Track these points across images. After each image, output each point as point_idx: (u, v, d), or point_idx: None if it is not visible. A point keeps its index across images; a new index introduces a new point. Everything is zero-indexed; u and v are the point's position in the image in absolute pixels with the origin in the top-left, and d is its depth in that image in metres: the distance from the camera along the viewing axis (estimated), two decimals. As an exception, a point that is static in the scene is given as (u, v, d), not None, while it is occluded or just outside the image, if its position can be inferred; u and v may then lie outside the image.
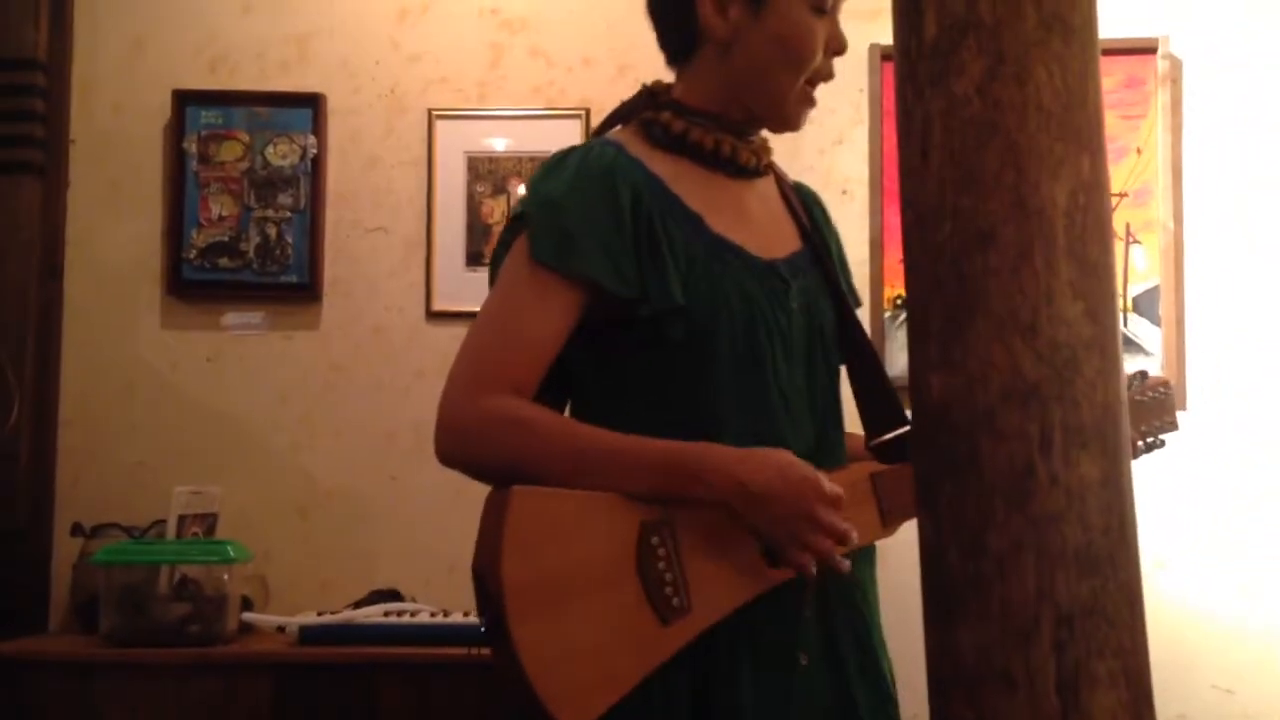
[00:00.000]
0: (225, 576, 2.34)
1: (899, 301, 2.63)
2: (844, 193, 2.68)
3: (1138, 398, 1.65)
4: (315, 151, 2.67)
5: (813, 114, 2.86)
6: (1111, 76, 2.59)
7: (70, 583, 2.53)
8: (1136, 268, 2.62)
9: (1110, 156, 0.89)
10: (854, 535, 1.28)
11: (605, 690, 1.22)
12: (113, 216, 2.69)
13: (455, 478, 1.36)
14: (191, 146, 2.67)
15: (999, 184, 0.83)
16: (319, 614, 2.36)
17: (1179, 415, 1.72)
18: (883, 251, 2.64)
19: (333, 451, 2.64)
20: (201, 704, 2.22)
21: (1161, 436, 1.71)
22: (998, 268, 0.83)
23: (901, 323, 2.63)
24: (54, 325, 2.65)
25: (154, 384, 2.65)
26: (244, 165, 2.67)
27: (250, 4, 2.72)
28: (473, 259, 2.64)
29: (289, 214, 2.67)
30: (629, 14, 1.48)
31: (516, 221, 1.38)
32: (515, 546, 1.21)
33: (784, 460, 1.28)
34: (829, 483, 1.28)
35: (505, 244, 1.38)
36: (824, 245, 1.50)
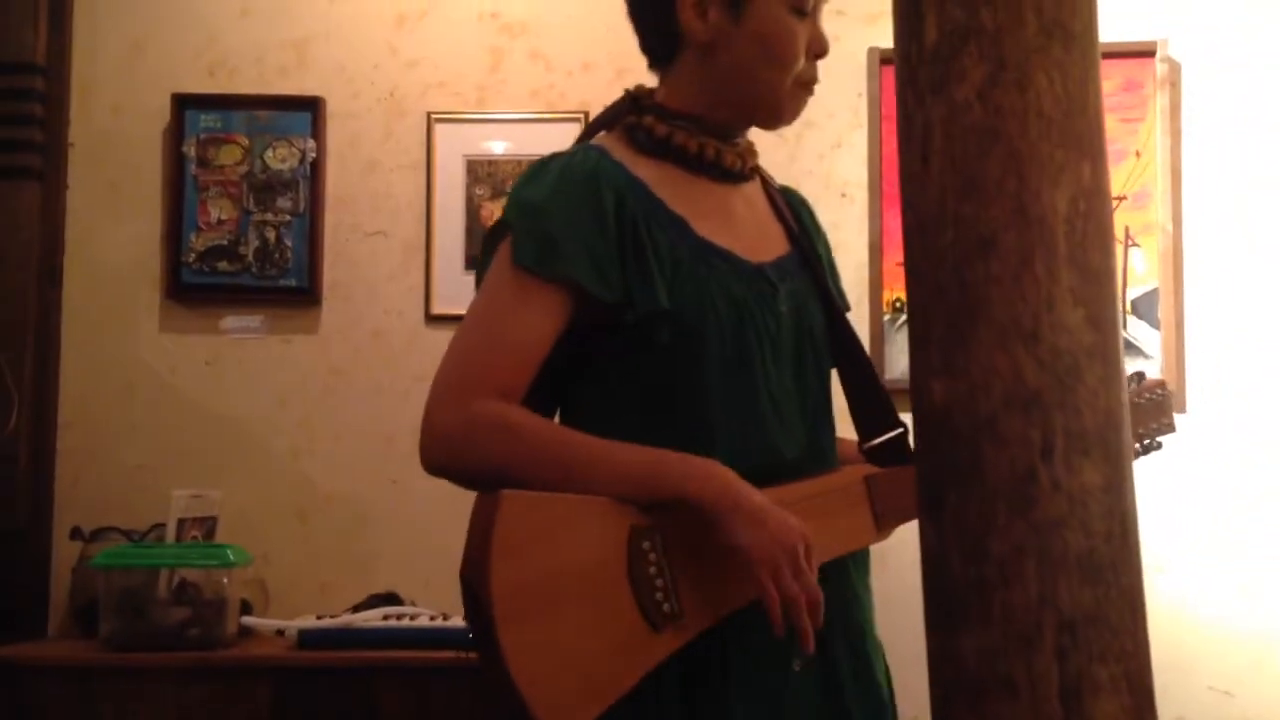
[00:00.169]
0: (225, 580, 2.34)
1: (898, 304, 2.63)
2: (843, 196, 2.69)
3: (1134, 400, 1.64)
4: (314, 155, 2.67)
5: (812, 118, 2.85)
6: (1110, 80, 2.59)
7: (69, 586, 2.53)
8: (1135, 271, 2.63)
9: (1109, 160, 0.89)
10: (820, 599, 1.24)
11: (595, 697, 1.21)
12: (112, 220, 2.69)
13: (455, 481, 1.36)
14: (190, 150, 2.67)
15: (1000, 191, 0.84)
16: (318, 618, 2.36)
17: (1178, 418, 1.72)
18: (882, 255, 2.65)
19: (332, 455, 2.64)
20: (201, 708, 2.22)
21: (1159, 439, 1.70)
22: (999, 275, 0.83)
23: (900, 326, 2.63)
24: (53, 328, 2.65)
25: (153, 387, 2.65)
26: (243, 169, 2.67)
27: (249, 8, 2.72)
28: (472, 263, 2.64)
29: (288, 218, 2.67)
30: (628, 18, 1.47)
31: (499, 228, 1.36)
32: (504, 551, 1.20)
33: (775, 517, 1.25)
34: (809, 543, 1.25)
35: (488, 250, 1.37)
36: (812, 248, 1.49)
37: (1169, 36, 2.65)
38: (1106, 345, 0.84)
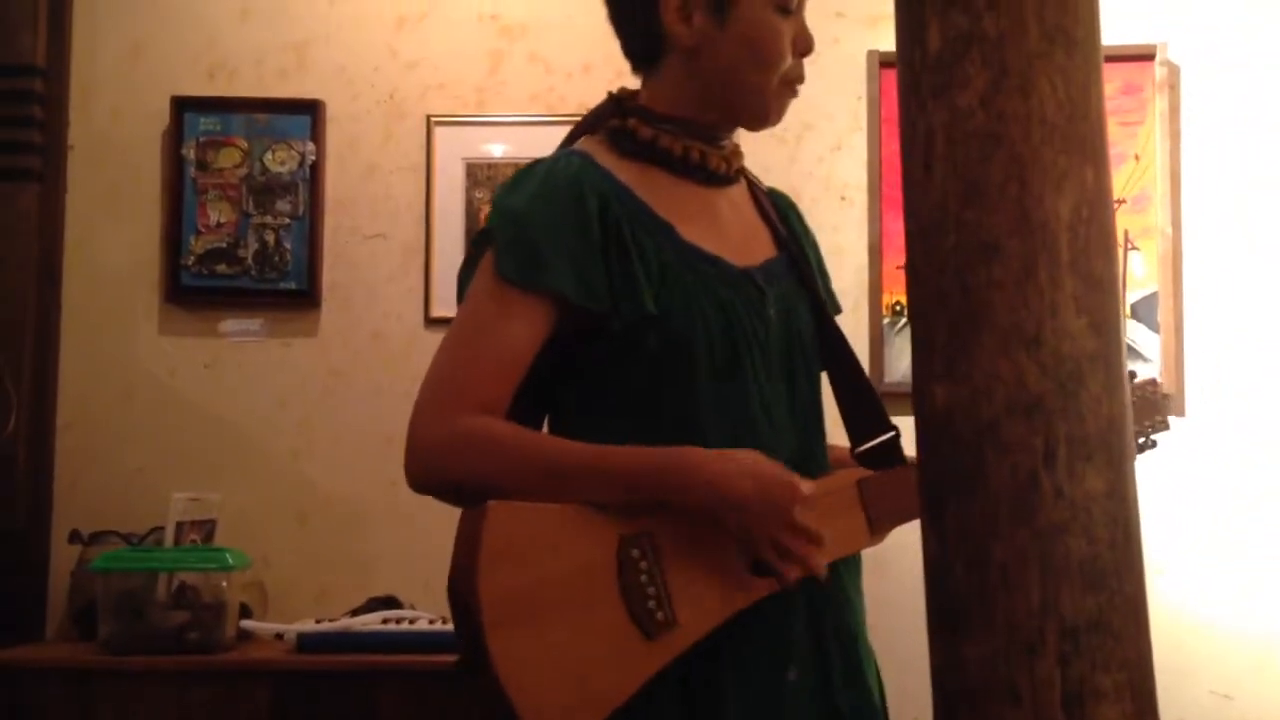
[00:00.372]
0: (224, 584, 2.33)
1: (898, 308, 2.63)
2: (843, 199, 2.69)
3: None
4: (314, 158, 2.67)
5: (811, 120, 2.85)
6: (1109, 83, 2.59)
7: (68, 589, 2.52)
8: (1135, 274, 2.63)
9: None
10: (825, 537, 1.28)
11: (590, 710, 1.20)
12: (111, 222, 2.69)
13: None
14: (190, 153, 2.67)
15: (1003, 196, 0.83)
16: (317, 621, 2.36)
17: (1177, 421, 1.72)
18: (881, 258, 2.65)
19: (331, 458, 2.64)
20: (200, 711, 2.22)
21: (1154, 437, 1.70)
22: (1002, 280, 0.83)
23: (900, 329, 2.63)
24: (52, 331, 2.65)
25: (152, 390, 2.65)
26: (242, 172, 2.67)
27: (249, 11, 2.72)
28: (472, 265, 2.64)
29: (287, 220, 2.67)
30: (610, 22, 1.47)
31: (483, 236, 1.35)
32: (492, 563, 1.19)
33: (760, 468, 1.27)
34: (805, 484, 1.27)
35: (472, 260, 1.36)
36: (800, 251, 1.48)
37: (1168, 40, 2.65)
38: (1109, 351, 0.83)
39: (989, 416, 0.82)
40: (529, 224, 1.31)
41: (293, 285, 2.66)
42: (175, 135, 2.67)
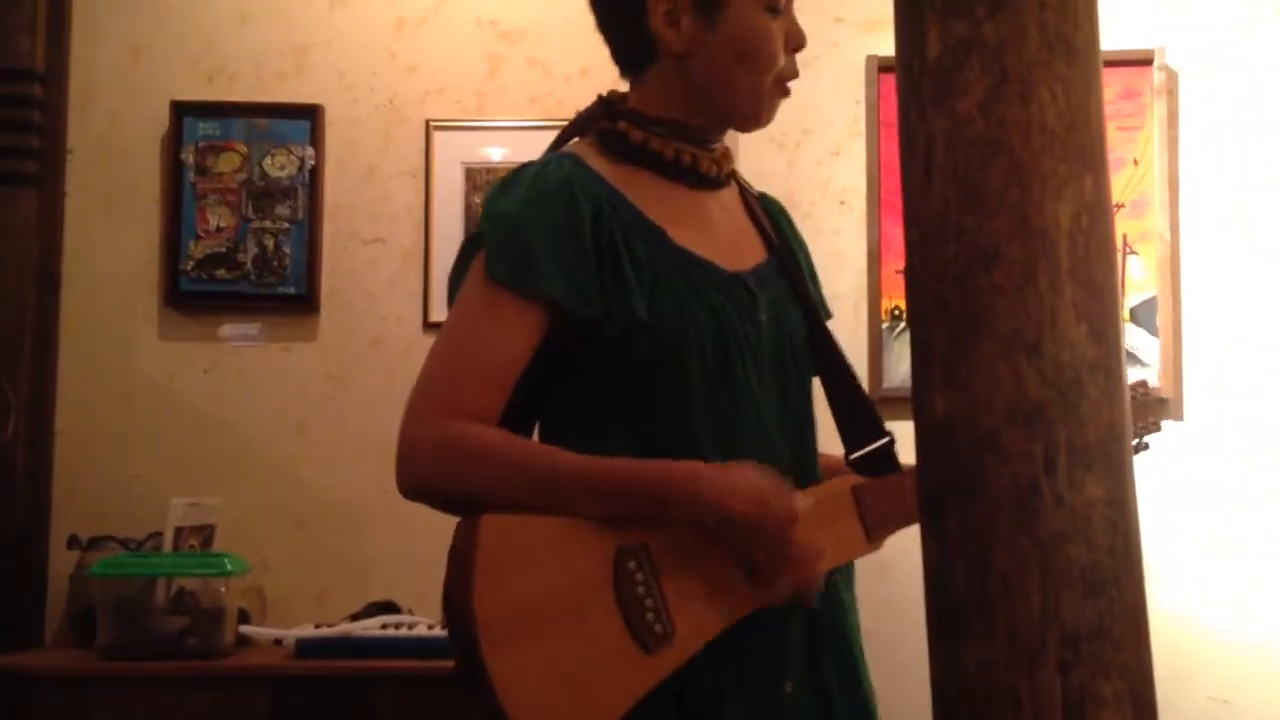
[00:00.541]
0: (223, 589, 2.33)
1: (896, 312, 2.63)
2: (842, 203, 2.69)
3: None
4: (313, 162, 2.67)
5: (810, 125, 2.84)
6: (1108, 88, 2.59)
7: (66, 595, 2.52)
8: (1134, 278, 2.63)
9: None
10: (826, 552, 1.27)
11: None
12: (110, 227, 2.69)
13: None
14: (189, 157, 2.67)
15: (1003, 203, 0.83)
16: (316, 626, 2.36)
17: (1176, 426, 1.72)
18: (880, 262, 2.65)
19: (330, 463, 2.64)
20: (199, 717, 2.22)
21: (1145, 439, 1.70)
22: (1002, 287, 0.83)
23: (899, 334, 2.63)
24: (51, 336, 2.65)
25: (151, 395, 2.65)
26: (241, 176, 2.67)
27: (248, 15, 2.72)
28: (470, 270, 2.64)
29: (287, 225, 2.67)
30: (598, 30, 1.46)
31: (474, 240, 1.33)
32: (487, 577, 1.17)
33: (758, 486, 1.25)
34: (802, 501, 1.26)
35: (462, 264, 1.34)
36: (791, 256, 1.47)
37: (1166, 44, 2.65)
38: (1109, 359, 0.83)
39: (989, 424, 0.82)
40: (520, 226, 1.29)
41: (292, 290, 2.66)
42: (174, 140, 2.67)
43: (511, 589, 1.18)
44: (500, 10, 2.73)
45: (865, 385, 1.53)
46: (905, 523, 1.37)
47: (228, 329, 2.67)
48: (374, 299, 2.68)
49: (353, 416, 2.64)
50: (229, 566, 2.34)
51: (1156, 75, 2.63)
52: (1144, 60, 2.64)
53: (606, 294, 1.29)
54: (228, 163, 2.68)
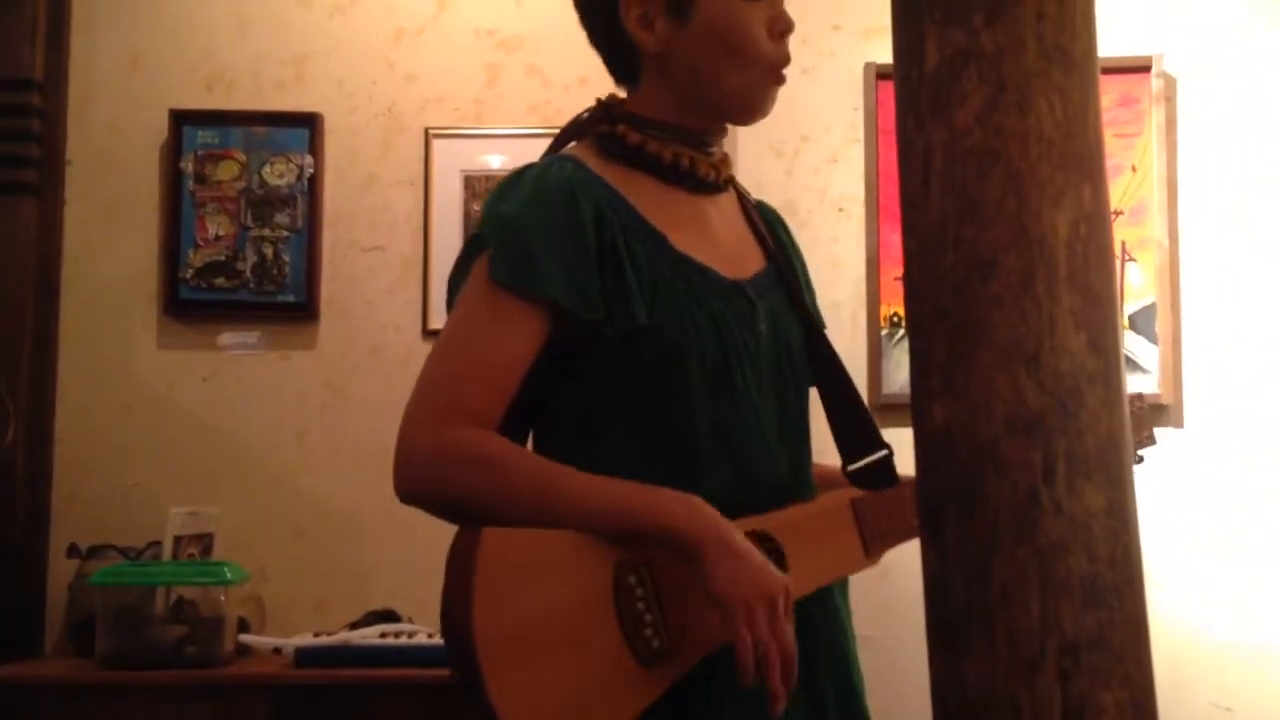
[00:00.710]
0: (222, 598, 2.33)
1: (895, 319, 2.64)
2: (840, 211, 2.69)
3: None
4: (312, 171, 2.68)
5: (808, 132, 2.84)
6: (1106, 95, 2.59)
7: (65, 604, 2.52)
8: (1132, 285, 2.63)
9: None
10: (794, 655, 1.20)
11: None
12: (109, 236, 2.69)
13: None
14: (188, 166, 2.67)
15: (1001, 213, 0.84)
16: (315, 635, 2.35)
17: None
18: (879, 269, 2.65)
19: (330, 471, 2.64)
20: (198, 726, 2.21)
21: (1139, 452, 1.70)
22: (1000, 297, 0.83)
23: (898, 341, 2.63)
24: (50, 344, 2.65)
25: (150, 404, 2.65)
26: (241, 185, 2.67)
27: (247, 24, 2.72)
28: (470, 278, 2.64)
29: (286, 233, 2.67)
30: (589, 44, 1.46)
31: (475, 242, 1.32)
32: (487, 594, 1.15)
33: (758, 561, 1.21)
34: (793, 584, 1.22)
35: (463, 267, 1.32)
36: (788, 264, 1.46)
37: (1164, 51, 2.66)
38: (1108, 368, 0.84)
39: (988, 433, 0.82)
40: (522, 228, 1.28)
41: (291, 298, 2.66)
42: (173, 148, 2.67)
43: (511, 605, 1.17)
44: (498, 20, 2.74)
45: (864, 392, 1.52)
46: (904, 538, 1.36)
47: (227, 337, 2.67)
48: (373, 307, 2.68)
49: (352, 425, 2.64)
50: (228, 575, 2.33)
51: (1154, 82, 2.64)
52: (1142, 67, 2.64)
53: (608, 297, 1.28)
54: (227, 171, 2.68)
